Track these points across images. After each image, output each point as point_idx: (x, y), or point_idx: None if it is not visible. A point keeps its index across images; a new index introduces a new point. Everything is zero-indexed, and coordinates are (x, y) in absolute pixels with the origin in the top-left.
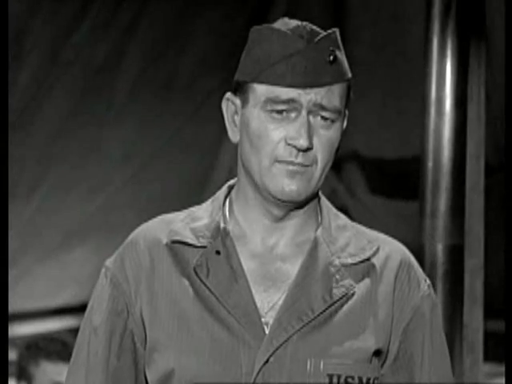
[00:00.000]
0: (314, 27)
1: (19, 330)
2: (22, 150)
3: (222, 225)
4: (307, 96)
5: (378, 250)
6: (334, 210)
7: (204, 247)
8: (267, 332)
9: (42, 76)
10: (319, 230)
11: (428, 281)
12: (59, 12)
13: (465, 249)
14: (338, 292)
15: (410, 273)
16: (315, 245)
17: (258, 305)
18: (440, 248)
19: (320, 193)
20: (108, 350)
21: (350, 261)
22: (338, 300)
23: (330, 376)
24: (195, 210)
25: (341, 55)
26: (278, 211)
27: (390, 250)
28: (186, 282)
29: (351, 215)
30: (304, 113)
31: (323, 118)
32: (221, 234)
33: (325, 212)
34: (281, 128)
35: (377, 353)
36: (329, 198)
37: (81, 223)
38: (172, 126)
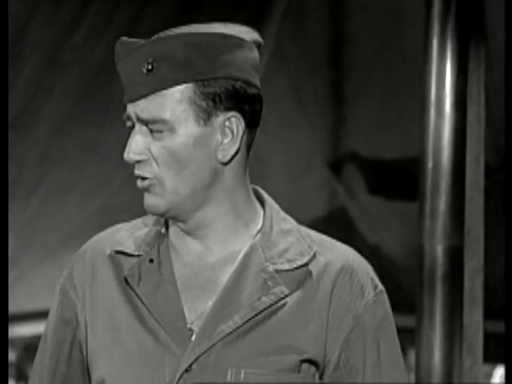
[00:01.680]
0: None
1: (18, 331)
2: (21, 151)
3: (161, 232)
4: (133, 109)
5: (314, 255)
6: (282, 215)
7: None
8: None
9: (41, 77)
10: (258, 236)
11: (379, 288)
12: (58, 13)
13: (464, 249)
14: (267, 300)
15: (353, 280)
16: (249, 251)
17: (186, 313)
18: (440, 249)
19: (266, 197)
20: (55, 359)
21: (286, 267)
22: (266, 308)
23: None
24: (146, 217)
25: (165, 62)
26: (179, 224)
27: (332, 256)
28: (121, 292)
29: (351, 216)
30: (137, 127)
31: (152, 130)
32: (158, 242)
33: (268, 217)
34: None
35: (308, 362)
36: (328, 199)
37: (80, 224)
38: None
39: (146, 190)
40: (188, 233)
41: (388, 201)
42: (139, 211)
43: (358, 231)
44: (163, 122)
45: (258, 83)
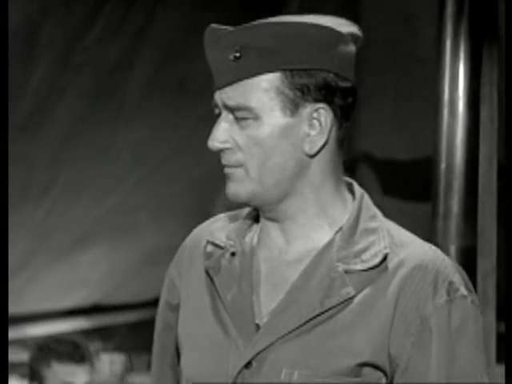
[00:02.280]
0: (247, 24)
1: (31, 331)
2: (34, 152)
3: (249, 225)
4: (219, 96)
5: (386, 257)
6: (372, 212)
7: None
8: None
9: (53, 78)
10: (338, 234)
11: (460, 292)
12: (71, 14)
13: (477, 250)
14: (331, 301)
15: (425, 281)
16: (323, 250)
17: (256, 309)
18: (453, 249)
19: (358, 193)
20: (162, 342)
21: (358, 267)
22: (328, 309)
23: None
24: (244, 209)
25: (252, 51)
26: (264, 213)
27: (406, 256)
28: (207, 282)
29: None
30: (223, 114)
31: (237, 117)
32: (244, 235)
33: (353, 214)
34: None
35: (370, 366)
36: None
37: (92, 225)
38: (183, 128)
39: (229, 177)
40: (273, 224)
41: (401, 201)
42: (152, 211)
43: None
44: (248, 109)
45: (351, 77)
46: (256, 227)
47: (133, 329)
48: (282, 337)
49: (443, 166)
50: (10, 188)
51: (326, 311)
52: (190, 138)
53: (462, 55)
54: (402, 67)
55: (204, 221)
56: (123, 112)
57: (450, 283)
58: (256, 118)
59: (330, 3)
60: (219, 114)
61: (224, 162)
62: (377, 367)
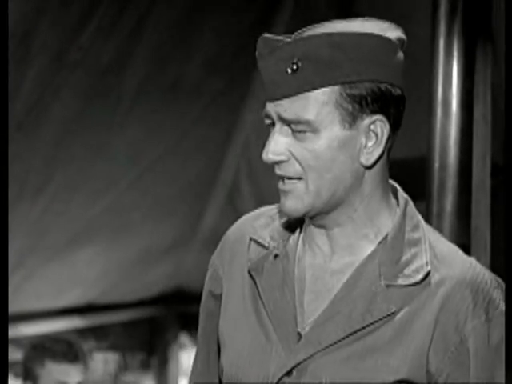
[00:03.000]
0: (304, 34)
1: (26, 330)
2: (29, 151)
3: (295, 227)
4: (274, 108)
5: (428, 273)
6: (416, 220)
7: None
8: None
9: (48, 77)
10: (381, 245)
11: (499, 309)
12: (66, 14)
13: (471, 250)
14: (371, 315)
15: (465, 299)
16: (366, 261)
17: (298, 317)
18: None
19: (402, 200)
20: (207, 329)
21: (400, 282)
22: (370, 324)
23: None
24: None
25: (310, 63)
26: (312, 220)
27: (448, 273)
28: (250, 282)
29: None
30: (277, 126)
31: (293, 130)
32: (289, 237)
33: (397, 224)
34: None
35: (406, 382)
36: None
37: (87, 224)
38: (178, 128)
39: (286, 193)
40: (320, 231)
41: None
42: (146, 211)
43: None
44: (308, 123)
45: (401, 84)
46: (300, 229)
47: (127, 328)
48: (323, 349)
49: (437, 165)
50: None
51: (367, 326)
52: (183, 139)
53: (455, 54)
54: None
55: (196, 221)
56: (118, 112)
57: (490, 301)
58: (314, 131)
59: (326, 2)
60: (270, 125)
61: (281, 173)
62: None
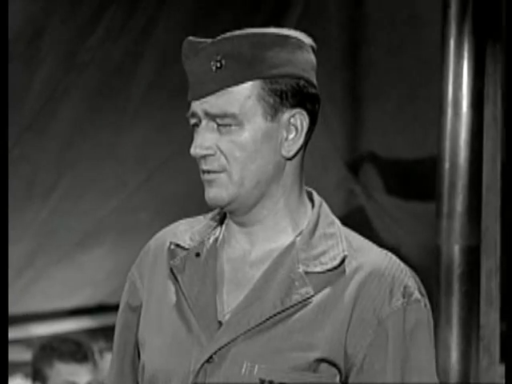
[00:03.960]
0: (227, 36)
1: (35, 330)
2: (38, 152)
3: (213, 227)
4: (200, 106)
5: (344, 259)
6: (331, 218)
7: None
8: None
9: (58, 78)
10: (298, 237)
11: (414, 296)
12: (75, 14)
13: (481, 250)
14: (290, 299)
15: (382, 285)
16: (285, 251)
17: (218, 307)
18: (456, 249)
19: (317, 200)
20: (123, 342)
21: (317, 269)
22: (289, 307)
23: (262, 381)
24: (208, 213)
25: (233, 60)
26: (234, 217)
27: (364, 260)
28: (170, 282)
29: (368, 216)
30: (203, 122)
31: (219, 124)
32: (208, 237)
33: (313, 219)
34: None
35: (327, 362)
36: (346, 200)
37: (96, 225)
38: (186, 129)
39: (210, 182)
40: (240, 228)
41: (405, 201)
42: (155, 211)
43: (376, 232)
44: (233, 116)
45: (316, 83)
46: (220, 229)
47: None
48: (244, 333)
49: (447, 165)
50: (14, 187)
51: (287, 309)
52: (193, 139)
53: (465, 55)
54: (406, 67)
55: None
56: (127, 112)
57: (405, 287)
58: (239, 123)
59: (335, 4)
60: (195, 125)
61: (206, 167)
62: (333, 364)
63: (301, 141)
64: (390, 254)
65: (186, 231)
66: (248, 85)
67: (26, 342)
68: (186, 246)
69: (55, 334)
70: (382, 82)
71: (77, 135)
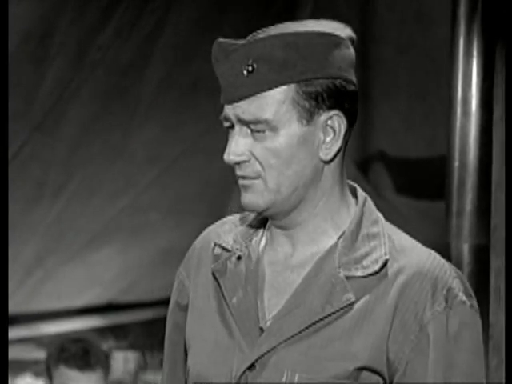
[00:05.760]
0: (258, 37)
1: (45, 329)
2: (48, 152)
3: (256, 229)
4: (232, 110)
5: (386, 263)
6: (375, 216)
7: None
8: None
9: (67, 77)
10: (340, 240)
11: (458, 299)
12: (85, 14)
13: (490, 248)
14: (331, 306)
15: (424, 288)
16: (325, 255)
17: (260, 313)
18: (466, 247)
19: (361, 197)
20: (172, 341)
21: (359, 273)
22: (330, 314)
23: None
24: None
25: (265, 63)
26: (274, 220)
27: (406, 262)
28: (214, 285)
29: None
30: (236, 128)
31: (252, 130)
32: (251, 239)
33: (355, 219)
34: None
35: (368, 370)
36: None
37: (105, 225)
38: (196, 129)
39: (245, 188)
40: (281, 231)
41: (414, 200)
42: (165, 211)
43: None
44: (266, 122)
45: (355, 80)
46: (263, 231)
47: (146, 327)
48: (285, 341)
49: (456, 164)
50: (24, 188)
51: (327, 316)
52: (203, 138)
53: (475, 54)
54: (415, 66)
55: (217, 220)
56: (137, 112)
57: (449, 290)
58: (273, 129)
59: (345, 3)
60: (230, 127)
61: (240, 173)
62: (375, 371)
63: (339, 143)
64: (433, 253)
65: (229, 231)
66: (281, 89)
67: (35, 341)
68: (229, 248)
69: (65, 332)
70: (391, 80)
71: (86, 135)
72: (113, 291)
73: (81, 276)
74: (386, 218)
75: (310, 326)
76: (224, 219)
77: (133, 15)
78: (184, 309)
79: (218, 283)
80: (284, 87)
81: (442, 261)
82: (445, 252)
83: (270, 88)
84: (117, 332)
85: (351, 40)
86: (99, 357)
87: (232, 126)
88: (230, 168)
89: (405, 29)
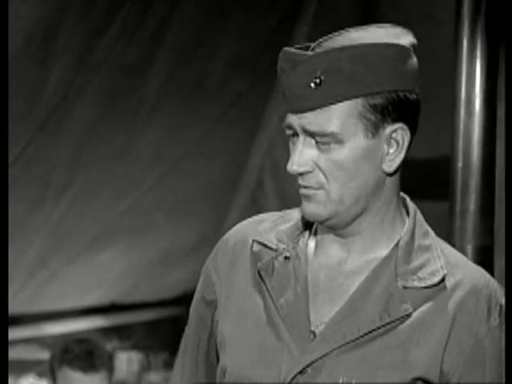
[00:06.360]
0: (324, 47)
1: (49, 330)
2: (52, 152)
3: (304, 229)
4: (298, 121)
5: (444, 277)
6: (425, 228)
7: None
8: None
9: (71, 78)
10: (396, 249)
11: (503, 312)
12: (89, 15)
13: (494, 249)
14: (389, 315)
15: (480, 304)
16: (382, 264)
17: (312, 316)
18: (469, 248)
19: (412, 209)
20: (198, 335)
21: (415, 284)
22: (387, 323)
23: None
24: (292, 211)
25: (333, 76)
26: (331, 230)
27: (462, 278)
28: (255, 283)
29: None
30: (301, 138)
31: (318, 141)
32: (298, 239)
33: (409, 230)
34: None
35: (422, 381)
36: None
37: (110, 225)
38: (201, 129)
39: (308, 197)
40: (334, 237)
41: (418, 200)
42: (169, 211)
43: None
44: (332, 135)
45: (417, 89)
46: (309, 233)
47: (150, 327)
48: (339, 347)
49: (460, 164)
50: (27, 188)
51: (384, 325)
52: (206, 139)
53: (478, 54)
54: (418, 66)
55: (219, 222)
56: (140, 113)
57: (501, 306)
58: (339, 142)
59: (349, 3)
60: (291, 135)
61: (303, 183)
62: (428, 382)
63: (402, 155)
64: (483, 270)
65: (270, 230)
66: (348, 102)
67: (39, 341)
68: (273, 247)
69: (69, 333)
70: None
71: (90, 136)
72: (116, 291)
73: (84, 276)
74: None
75: (365, 334)
76: (257, 217)
77: (136, 16)
78: (210, 304)
79: (264, 282)
80: (351, 100)
81: (492, 279)
82: None
83: (338, 101)
84: (120, 332)
85: (414, 46)
86: (103, 358)
87: (294, 135)
88: (233, 170)
89: (409, 29)
